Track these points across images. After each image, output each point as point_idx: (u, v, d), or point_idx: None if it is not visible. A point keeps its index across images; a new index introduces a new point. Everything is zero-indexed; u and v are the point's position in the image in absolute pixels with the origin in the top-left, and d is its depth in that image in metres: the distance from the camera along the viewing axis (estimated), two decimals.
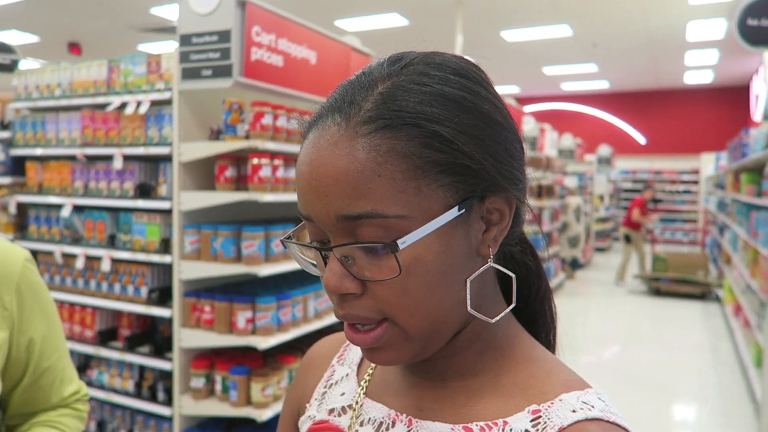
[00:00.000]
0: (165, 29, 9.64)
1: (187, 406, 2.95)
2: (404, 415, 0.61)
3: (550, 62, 12.85)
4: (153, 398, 3.11)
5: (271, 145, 2.78)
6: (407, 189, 0.50)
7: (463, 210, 0.52)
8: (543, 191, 8.34)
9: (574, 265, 10.57)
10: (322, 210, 0.52)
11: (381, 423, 0.62)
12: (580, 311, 8.12)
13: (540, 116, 9.91)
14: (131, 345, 3.18)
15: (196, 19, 2.76)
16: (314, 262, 0.59)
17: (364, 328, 0.54)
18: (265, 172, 2.77)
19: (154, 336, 3.26)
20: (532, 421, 0.54)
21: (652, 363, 5.85)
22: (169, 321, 3.09)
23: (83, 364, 3.41)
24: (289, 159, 2.98)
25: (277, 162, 2.85)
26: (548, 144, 9.31)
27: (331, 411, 0.68)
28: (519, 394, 0.57)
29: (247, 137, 2.79)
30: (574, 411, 0.53)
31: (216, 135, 2.94)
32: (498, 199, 0.55)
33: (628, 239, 9.88)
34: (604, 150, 14.12)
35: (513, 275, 0.58)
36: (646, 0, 8.35)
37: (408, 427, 0.60)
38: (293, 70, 3.05)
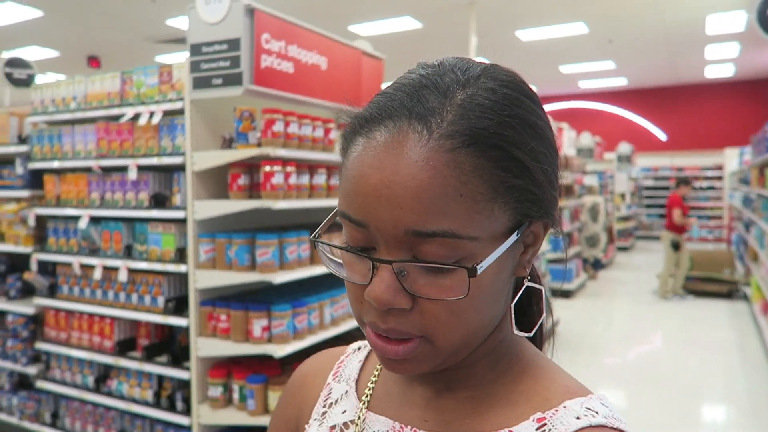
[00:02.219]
0: (181, 40, 9.75)
1: (205, 415, 2.95)
2: (409, 426, 0.61)
3: (566, 61, 12.72)
4: (172, 408, 3.12)
5: (283, 152, 2.77)
6: (483, 211, 0.49)
7: (519, 235, 0.53)
8: (562, 191, 8.23)
9: (597, 265, 10.37)
10: (388, 220, 0.49)
11: None
12: (603, 312, 7.99)
13: (557, 115, 9.80)
14: (149, 355, 3.19)
15: (205, 28, 2.76)
16: (341, 262, 0.56)
17: (397, 338, 0.53)
18: (277, 179, 2.76)
19: (171, 345, 3.27)
20: (537, 429, 0.54)
21: (678, 363, 5.73)
22: (186, 330, 3.09)
23: (102, 375, 3.43)
24: (302, 165, 2.97)
25: (289, 169, 2.84)
26: (566, 143, 9.20)
27: (332, 428, 0.67)
28: (524, 403, 0.57)
29: (258, 145, 2.78)
30: (578, 418, 0.53)
31: (228, 143, 2.94)
32: (540, 223, 0.56)
33: (677, 246, 8.42)
34: (624, 148, 13.93)
35: (542, 288, 0.61)
36: None
37: None
38: (304, 76, 3.05)
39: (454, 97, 0.51)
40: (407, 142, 0.49)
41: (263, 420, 2.81)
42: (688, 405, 4.73)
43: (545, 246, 6.61)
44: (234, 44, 2.70)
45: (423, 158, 0.48)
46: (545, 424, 0.54)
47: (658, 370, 5.51)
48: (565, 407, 0.54)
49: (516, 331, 0.57)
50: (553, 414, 0.54)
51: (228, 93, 2.75)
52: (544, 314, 0.66)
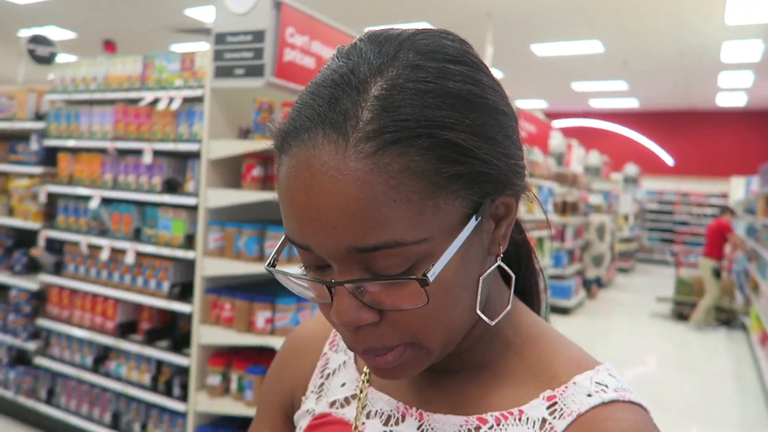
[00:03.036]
0: (198, 30, 9.79)
1: (202, 402, 2.95)
2: (414, 408, 0.58)
3: (579, 78, 12.75)
4: (168, 393, 3.12)
5: None
6: (425, 209, 0.44)
7: (480, 217, 0.48)
8: (567, 208, 8.24)
9: (597, 284, 10.37)
10: (327, 242, 0.45)
11: (390, 416, 0.59)
12: (601, 331, 7.98)
13: (567, 132, 9.80)
14: (150, 339, 3.20)
15: (231, 18, 2.78)
16: (306, 286, 0.52)
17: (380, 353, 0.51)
18: None
19: (173, 331, 3.28)
20: (548, 408, 0.52)
21: (674, 387, 5.72)
22: (188, 317, 3.10)
23: (102, 356, 3.44)
24: None
25: None
26: (575, 160, 9.22)
27: (333, 403, 0.65)
28: (530, 380, 0.55)
29: None
30: (589, 395, 0.51)
31: (245, 134, 2.95)
32: (507, 195, 0.51)
33: (718, 273, 8.09)
34: (631, 169, 13.95)
35: (513, 275, 0.56)
36: (681, 18, 8.24)
37: (419, 421, 0.57)
38: None
39: (368, 91, 0.45)
40: (323, 156, 0.44)
41: None
42: (682, 429, 4.72)
43: (546, 261, 6.61)
44: (259, 36, 2.72)
45: (344, 171, 0.43)
46: (556, 402, 0.52)
47: (653, 394, 5.51)
48: (575, 383, 0.53)
49: (479, 312, 0.52)
50: (563, 391, 0.52)
51: (249, 84, 2.77)
52: (540, 276, 0.65)
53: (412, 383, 0.60)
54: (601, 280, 10.44)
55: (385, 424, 0.59)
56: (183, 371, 3.11)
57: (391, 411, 0.59)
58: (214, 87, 2.90)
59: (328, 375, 0.68)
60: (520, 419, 0.53)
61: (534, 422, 0.52)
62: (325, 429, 0.63)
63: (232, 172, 3.04)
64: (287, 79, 2.81)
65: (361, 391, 0.62)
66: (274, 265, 0.53)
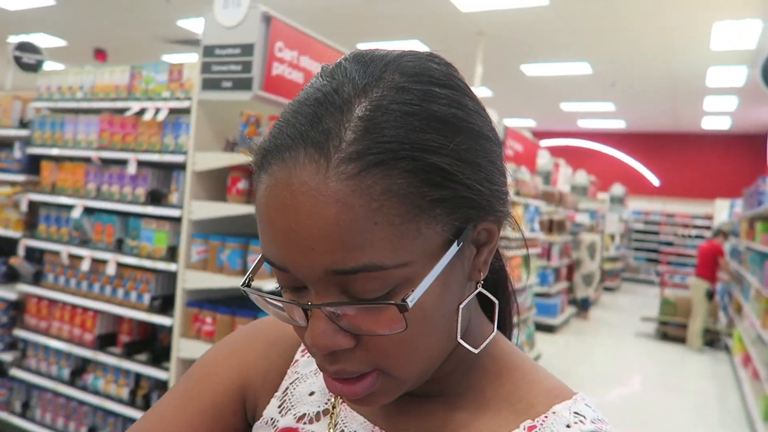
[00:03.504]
0: (189, 42, 9.79)
1: None
2: None
3: (567, 98, 12.90)
4: (147, 407, 3.06)
5: None
6: (407, 233, 0.44)
7: (462, 243, 0.48)
8: (554, 226, 8.28)
9: (585, 304, 10.20)
10: (304, 264, 0.45)
11: None
12: (585, 350, 7.99)
13: (555, 151, 9.89)
14: (129, 352, 3.15)
15: (220, 31, 2.78)
16: (281, 307, 0.51)
17: (350, 377, 0.49)
18: None
19: (153, 344, 3.23)
20: None
21: (657, 407, 5.72)
22: (169, 330, 3.06)
23: (79, 368, 3.37)
24: None
25: None
26: (562, 179, 9.29)
27: (301, 417, 0.61)
28: (507, 409, 0.55)
29: None
30: (568, 425, 0.51)
31: (231, 147, 2.94)
32: (489, 221, 0.51)
33: (711, 295, 8.08)
34: (617, 189, 14.08)
35: (496, 301, 0.56)
36: (668, 43, 8.38)
37: None
38: None
39: (351, 111, 0.44)
40: (304, 175, 0.43)
41: None
42: None
43: (532, 279, 6.63)
44: (247, 49, 2.72)
45: (324, 192, 0.43)
46: None
47: (637, 413, 5.51)
48: (554, 413, 0.52)
49: (460, 340, 0.52)
50: (543, 421, 0.52)
51: (237, 97, 2.76)
52: (514, 303, 0.65)
53: (388, 408, 0.59)
54: (589, 299, 10.43)
55: None
56: (162, 385, 3.06)
57: None
58: (202, 99, 2.88)
59: (296, 380, 0.65)
60: None
61: None
62: None
63: (217, 184, 3.02)
64: (275, 93, 2.80)
65: (334, 407, 0.60)
66: (249, 285, 0.52)
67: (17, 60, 4.64)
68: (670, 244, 16.34)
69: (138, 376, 3.17)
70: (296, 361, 0.67)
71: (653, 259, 16.63)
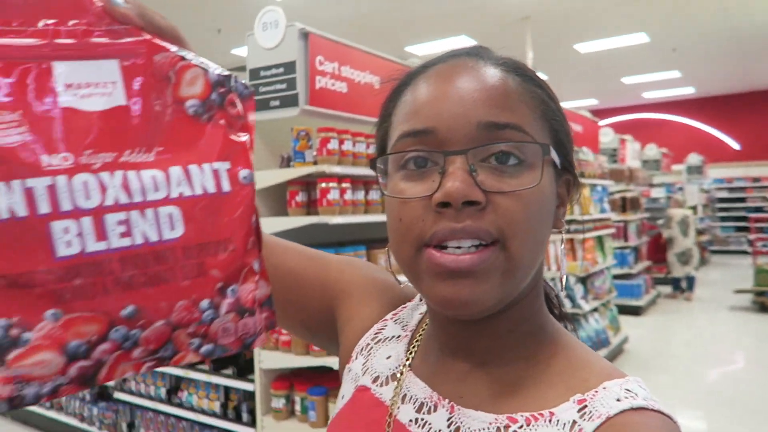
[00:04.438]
0: (241, 68, 10.20)
1: (269, 426, 3.03)
2: (446, 400, 0.60)
3: (628, 72, 12.43)
4: (238, 419, 3.23)
5: (338, 169, 2.86)
6: (536, 122, 0.55)
7: (559, 168, 0.58)
8: (627, 204, 7.99)
9: (689, 284, 9.43)
10: (461, 116, 0.53)
11: (422, 404, 0.61)
12: (677, 330, 7.62)
13: (620, 127, 9.56)
14: (216, 367, 3.32)
15: (263, 53, 2.92)
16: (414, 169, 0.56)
17: (469, 245, 0.52)
18: (333, 195, 2.85)
19: (237, 358, 3.40)
20: (578, 411, 0.53)
21: (761, 386, 5.38)
22: None
23: (174, 386, 3.59)
24: (357, 181, 3.05)
25: (344, 185, 2.93)
26: (630, 155, 8.94)
27: (376, 379, 0.67)
28: (561, 383, 0.57)
29: (314, 162, 2.89)
30: (618, 400, 0.52)
31: (286, 162, 3.06)
32: (564, 181, 0.61)
33: None
34: (694, 159, 13.38)
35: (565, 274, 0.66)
36: None
37: (450, 413, 0.59)
38: (357, 95, 3.15)
39: (496, 54, 0.60)
40: (470, 63, 0.57)
41: None
42: (764, 428, 4.44)
43: (609, 261, 6.42)
44: (290, 67, 2.83)
45: (486, 70, 0.55)
46: (586, 406, 0.53)
47: (738, 393, 5.20)
48: (604, 389, 0.54)
49: (546, 274, 0.61)
50: (593, 396, 0.53)
51: (285, 114, 2.88)
52: (563, 291, 0.67)
53: (445, 376, 0.62)
54: (694, 279, 9.54)
55: (418, 411, 0.61)
56: (249, 396, 3.21)
57: (425, 399, 0.61)
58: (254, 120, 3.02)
59: (379, 341, 0.71)
60: (550, 421, 0.54)
61: (564, 424, 0.53)
62: (362, 406, 0.66)
63: (277, 199, 3.15)
64: (321, 105, 2.90)
65: (401, 374, 0.65)
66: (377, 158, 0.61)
67: None
68: (759, 209, 15.30)
69: (227, 390, 3.34)
70: (385, 320, 0.73)
71: (742, 228, 15.62)
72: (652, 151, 11.29)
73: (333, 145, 2.88)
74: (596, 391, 0.54)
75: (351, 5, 7.68)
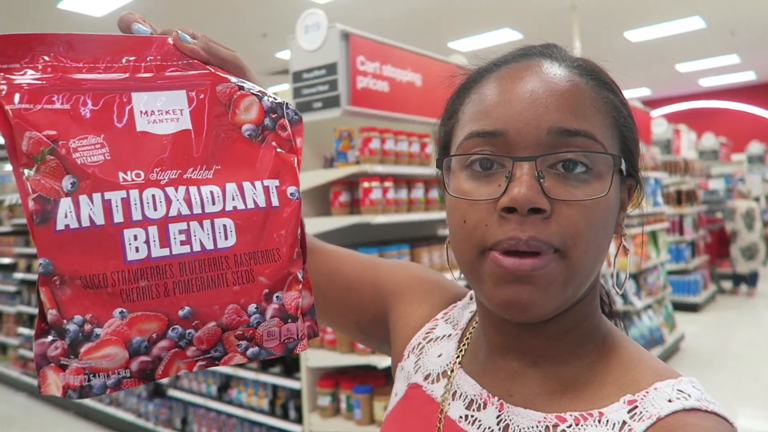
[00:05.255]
0: (284, 71, 10.35)
1: (315, 424, 3.07)
2: (496, 398, 0.60)
3: (683, 59, 11.94)
4: (285, 416, 3.28)
5: (380, 168, 2.86)
6: (608, 129, 0.54)
7: (624, 174, 0.57)
8: (683, 197, 7.69)
9: (753, 280, 9.02)
10: (532, 119, 0.52)
11: (472, 401, 0.61)
12: (738, 327, 7.29)
13: (675, 117, 9.18)
14: (264, 366, 3.39)
15: (305, 56, 2.94)
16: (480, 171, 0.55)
17: (530, 250, 0.51)
18: (375, 194, 2.85)
19: (284, 357, 3.45)
20: (629, 412, 0.52)
21: None
22: None
23: (224, 384, 3.68)
24: (399, 180, 3.04)
25: (387, 184, 2.92)
26: (685, 146, 8.60)
27: (427, 377, 0.68)
28: (611, 383, 0.56)
29: (357, 162, 2.90)
30: (670, 401, 0.51)
31: (330, 163, 3.09)
32: (626, 186, 0.59)
33: None
34: (756, 147, 12.76)
35: (629, 249, 0.67)
36: None
37: (499, 411, 0.59)
38: (399, 94, 3.14)
39: (568, 53, 0.59)
40: (543, 64, 0.55)
41: (369, 430, 2.88)
42: None
43: (663, 256, 6.20)
44: (331, 68, 2.85)
45: (560, 73, 0.54)
46: (636, 406, 0.52)
47: None
48: (655, 389, 0.53)
49: (616, 287, 0.62)
50: (644, 396, 0.53)
51: (328, 115, 2.90)
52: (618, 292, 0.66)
53: (495, 374, 0.62)
54: (758, 275, 9.08)
55: (468, 407, 0.61)
56: (296, 394, 3.26)
57: (474, 396, 0.62)
58: None
59: (430, 340, 0.72)
60: (599, 421, 0.53)
61: (614, 425, 0.52)
62: (414, 403, 0.67)
63: (321, 200, 3.18)
64: (363, 105, 2.91)
65: (452, 371, 0.66)
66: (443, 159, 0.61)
67: None
68: None
69: (275, 388, 3.40)
70: (436, 319, 0.74)
71: None
72: (710, 140, 10.83)
73: (375, 144, 2.88)
74: (647, 392, 0.53)
75: (394, 3, 7.67)
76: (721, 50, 11.37)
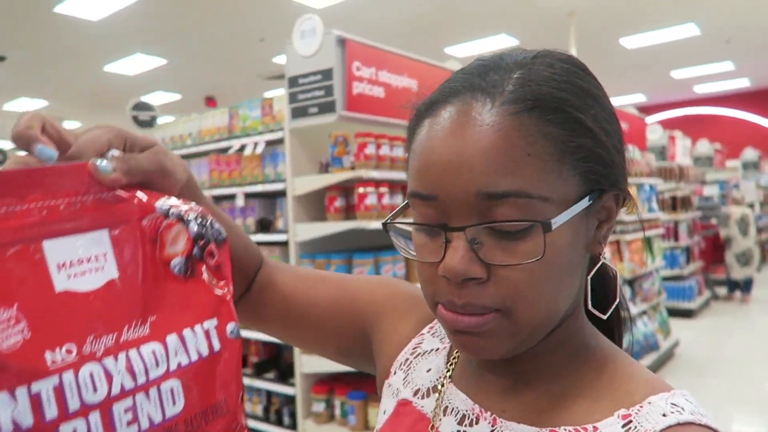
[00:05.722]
0: (280, 76, 10.35)
1: (310, 430, 3.06)
2: (488, 413, 0.59)
3: (678, 65, 12.00)
4: (279, 422, 3.27)
5: (376, 174, 2.86)
6: (552, 171, 0.50)
7: (591, 201, 0.53)
8: (678, 203, 7.71)
9: (747, 286, 9.01)
10: (459, 186, 0.50)
11: (464, 416, 0.61)
12: (732, 333, 7.31)
13: (669, 124, 9.22)
14: (258, 371, 3.38)
15: (301, 61, 2.94)
16: (409, 246, 0.56)
17: (471, 312, 0.52)
18: (371, 200, 2.85)
19: (279, 362, 3.44)
20: (623, 426, 0.52)
21: None
22: (291, 348, 3.24)
23: None
24: (394, 186, 3.05)
25: (382, 190, 2.92)
26: (680, 152, 8.63)
27: (417, 392, 0.67)
28: (606, 397, 0.55)
29: (352, 168, 2.90)
30: (664, 415, 0.51)
31: (325, 168, 3.09)
32: (611, 196, 0.55)
33: None
34: (750, 154, 12.84)
35: (617, 270, 0.61)
36: None
37: (492, 426, 0.58)
38: (395, 100, 3.14)
39: (512, 72, 0.52)
40: (471, 111, 0.50)
41: None
42: None
43: (658, 262, 6.21)
44: (327, 74, 2.85)
45: (488, 122, 0.49)
46: (631, 421, 0.52)
47: None
48: (650, 403, 0.52)
49: (591, 308, 0.57)
50: (638, 411, 0.52)
51: (323, 120, 2.90)
52: (618, 300, 0.63)
53: (487, 390, 0.62)
54: (752, 281, 9.08)
55: (460, 423, 0.61)
56: (291, 400, 3.25)
57: (466, 411, 0.61)
58: (293, 128, 3.06)
59: (418, 354, 0.71)
60: None
61: None
62: (405, 419, 0.66)
63: (316, 205, 3.18)
64: (358, 111, 2.91)
65: (442, 385, 0.65)
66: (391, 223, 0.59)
67: (135, 119, 5.19)
68: None
69: (269, 394, 3.39)
70: (422, 333, 0.73)
71: None
72: (704, 146, 10.89)
73: (370, 149, 2.88)
74: (641, 406, 0.53)
75: (391, 8, 7.69)
76: (715, 57, 11.43)
